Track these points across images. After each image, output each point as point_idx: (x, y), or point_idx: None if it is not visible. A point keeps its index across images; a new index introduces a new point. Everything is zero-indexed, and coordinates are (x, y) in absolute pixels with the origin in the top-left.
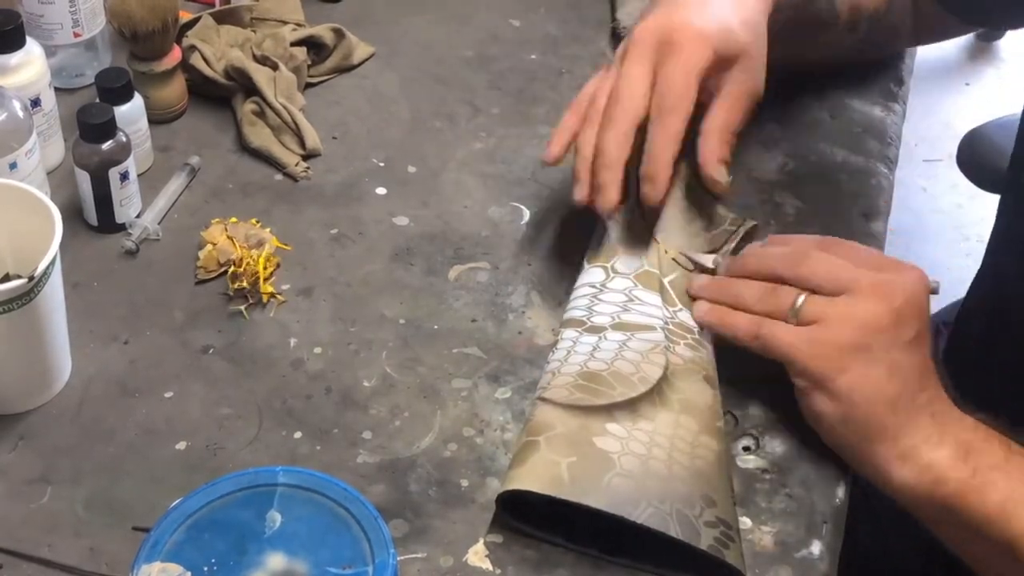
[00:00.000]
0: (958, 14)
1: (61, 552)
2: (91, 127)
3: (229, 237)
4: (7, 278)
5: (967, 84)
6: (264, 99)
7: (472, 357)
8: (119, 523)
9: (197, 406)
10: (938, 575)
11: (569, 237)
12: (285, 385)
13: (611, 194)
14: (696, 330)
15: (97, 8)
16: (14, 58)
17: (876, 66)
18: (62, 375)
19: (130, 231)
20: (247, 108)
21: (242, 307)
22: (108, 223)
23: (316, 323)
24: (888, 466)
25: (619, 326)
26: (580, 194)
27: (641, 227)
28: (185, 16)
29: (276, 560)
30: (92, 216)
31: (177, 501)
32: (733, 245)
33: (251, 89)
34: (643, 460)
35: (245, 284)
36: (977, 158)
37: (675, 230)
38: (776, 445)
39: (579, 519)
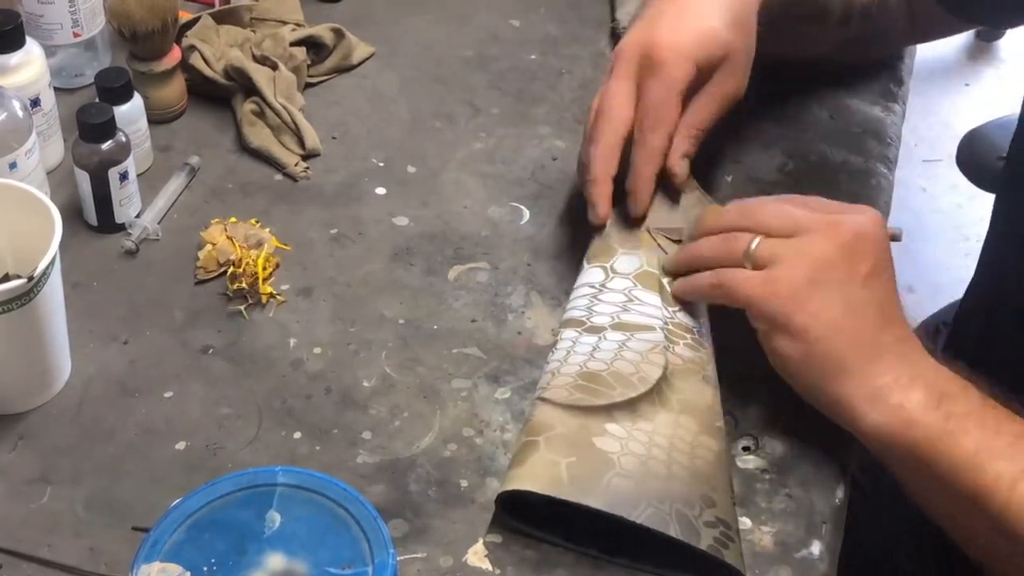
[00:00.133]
0: (955, 13)
1: (61, 552)
2: (91, 127)
3: (229, 237)
4: (7, 278)
5: (967, 84)
6: (264, 99)
7: (472, 357)
8: (119, 523)
9: (197, 406)
10: (938, 575)
11: (569, 237)
12: (285, 385)
13: (600, 209)
14: (695, 330)
15: (97, 8)
16: (14, 58)
17: (876, 66)
18: (62, 375)
19: (130, 231)
20: (247, 108)
21: (242, 307)
22: (108, 223)
23: (316, 323)
24: (856, 407)
25: (619, 326)
26: (593, 216)
27: (640, 228)
28: (185, 16)
29: (276, 560)
30: (92, 216)
31: (177, 501)
32: None
33: (251, 89)
34: (643, 460)
35: (244, 285)
36: (976, 158)
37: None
38: (776, 445)
39: (579, 519)
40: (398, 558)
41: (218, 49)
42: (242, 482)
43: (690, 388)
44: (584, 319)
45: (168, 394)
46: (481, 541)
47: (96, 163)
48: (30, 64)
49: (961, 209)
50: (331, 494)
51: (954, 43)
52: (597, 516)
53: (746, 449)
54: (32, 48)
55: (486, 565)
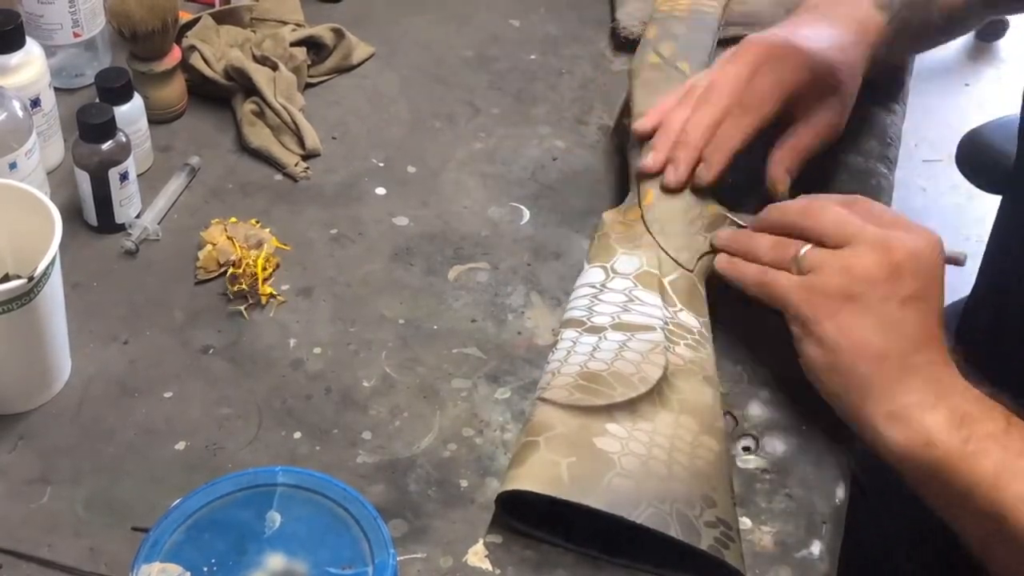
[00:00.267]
0: None
1: (61, 552)
2: (91, 127)
3: (229, 237)
4: (7, 278)
5: (967, 84)
6: (264, 99)
7: (472, 357)
8: (119, 523)
9: (197, 406)
10: (938, 575)
11: (569, 237)
12: (285, 385)
13: (682, 171)
14: (696, 330)
15: (97, 8)
16: (14, 58)
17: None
18: (62, 375)
19: (130, 231)
20: (247, 108)
21: (242, 307)
22: (108, 223)
23: (316, 323)
24: (877, 424)
25: (619, 326)
26: (654, 161)
27: (641, 228)
28: (185, 16)
29: (276, 560)
30: (92, 216)
31: (177, 501)
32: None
33: (251, 89)
34: (643, 460)
35: (244, 285)
36: (976, 158)
37: (675, 234)
38: (776, 445)
39: (579, 519)
40: (398, 558)
41: (218, 49)
42: (242, 482)
43: (690, 388)
44: (584, 319)
45: (168, 394)
46: (481, 541)
47: (96, 163)
48: (30, 64)
49: (961, 209)
50: (331, 494)
51: (954, 43)
52: (597, 516)
53: (746, 449)
54: (32, 48)
55: (486, 565)
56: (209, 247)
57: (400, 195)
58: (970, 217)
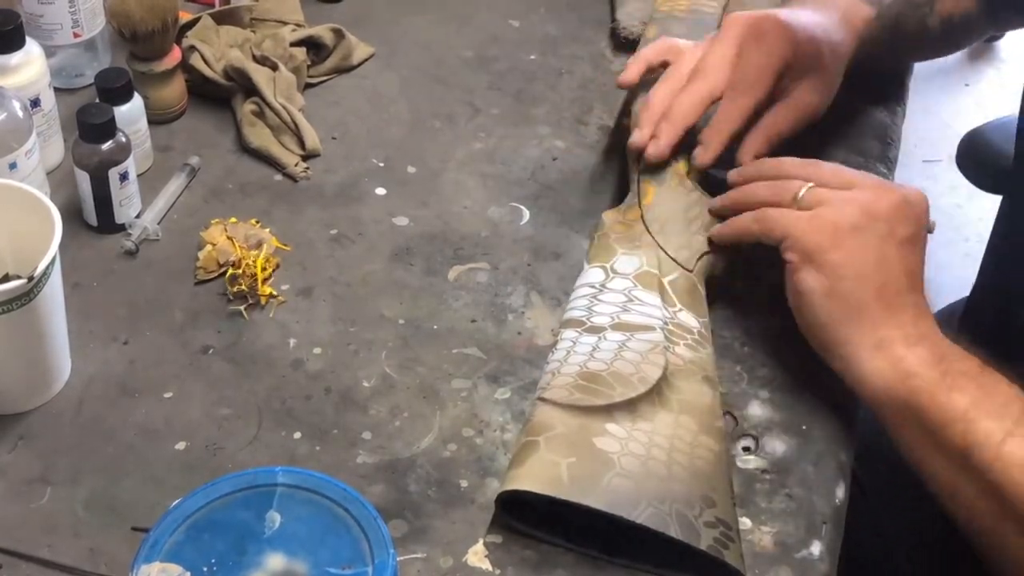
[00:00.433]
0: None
1: (61, 552)
2: (91, 127)
3: (229, 237)
4: (7, 278)
5: (967, 84)
6: (264, 99)
7: (472, 357)
8: (118, 523)
9: (197, 406)
10: (938, 575)
11: (569, 237)
12: (285, 385)
13: (663, 146)
14: (696, 330)
15: (97, 8)
16: (14, 58)
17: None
18: (62, 375)
19: (130, 231)
20: (247, 108)
21: (242, 307)
22: (108, 223)
23: (316, 323)
24: (862, 352)
25: (619, 326)
26: (640, 138)
27: (640, 228)
28: (185, 16)
29: (276, 560)
30: (92, 216)
31: (176, 501)
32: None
33: (251, 89)
34: (643, 460)
35: (244, 286)
36: (976, 158)
37: (675, 233)
38: (776, 445)
39: (579, 519)
40: (398, 558)
41: (218, 49)
42: (242, 482)
43: (690, 388)
44: (584, 319)
45: (168, 394)
46: (481, 541)
47: (96, 163)
48: (30, 64)
49: (961, 209)
50: (331, 494)
51: None
52: (597, 516)
53: (746, 449)
54: (32, 48)
55: (486, 565)
56: (209, 247)
57: (400, 195)
58: (970, 217)
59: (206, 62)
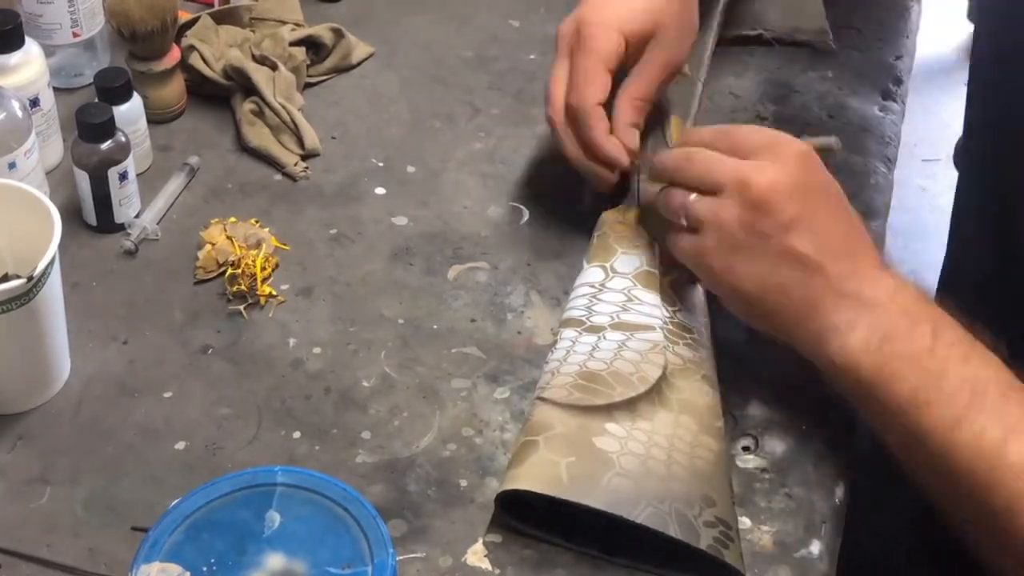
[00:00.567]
0: None
1: (60, 552)
2: (90, 127)
3: (228, 237)
4: (6, 278)
5: (967, 84)
6: (263, 99)
7: (471, 357)
8: (118, 523)
9: (196, 406)
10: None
11: (569, 237)
12: (284, 385)
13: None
14: (695, 329)
15: (96, 8)
16: (13, 58)
17: (875, 66)
18: (61, 375)
19: (129, 231)
20: (246, 108)
21: (241, 307)
22: (107, 223)
23: (315, 323)
24: (807, 348)
25: (618, 326)
26: (608, 177)
27: (640, 228)
28: (184, 16)
29: (275, 560)
30: (91, 216)
31: (176, 501)
32: None
33: (250, 89)
34: (642, 460)
35: (243, 286)
36: None
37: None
38: (776, 445)
39: (578, 519)
40: (398, 558)
41: (217, 49)
42: (241, 482)
43: (690, 388)
44: (584, 319)
45: (167, 394)
46: (481, 541)
47: (95, 163)
48: (29, 64)
49: None
50: (331, 494)
51: (954, 43)
52: (597, 516)
53: (746, 449)
54: (31, 48)
55: (486, 565)
56: (208, 247)
57: (400, 195)
58: None
59: (205, 62)
